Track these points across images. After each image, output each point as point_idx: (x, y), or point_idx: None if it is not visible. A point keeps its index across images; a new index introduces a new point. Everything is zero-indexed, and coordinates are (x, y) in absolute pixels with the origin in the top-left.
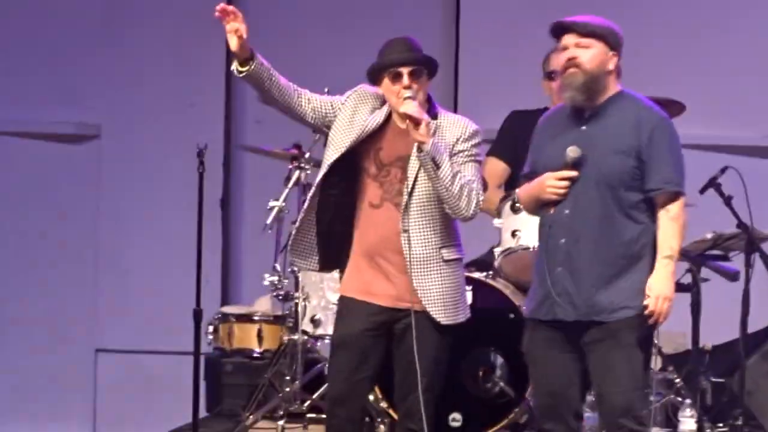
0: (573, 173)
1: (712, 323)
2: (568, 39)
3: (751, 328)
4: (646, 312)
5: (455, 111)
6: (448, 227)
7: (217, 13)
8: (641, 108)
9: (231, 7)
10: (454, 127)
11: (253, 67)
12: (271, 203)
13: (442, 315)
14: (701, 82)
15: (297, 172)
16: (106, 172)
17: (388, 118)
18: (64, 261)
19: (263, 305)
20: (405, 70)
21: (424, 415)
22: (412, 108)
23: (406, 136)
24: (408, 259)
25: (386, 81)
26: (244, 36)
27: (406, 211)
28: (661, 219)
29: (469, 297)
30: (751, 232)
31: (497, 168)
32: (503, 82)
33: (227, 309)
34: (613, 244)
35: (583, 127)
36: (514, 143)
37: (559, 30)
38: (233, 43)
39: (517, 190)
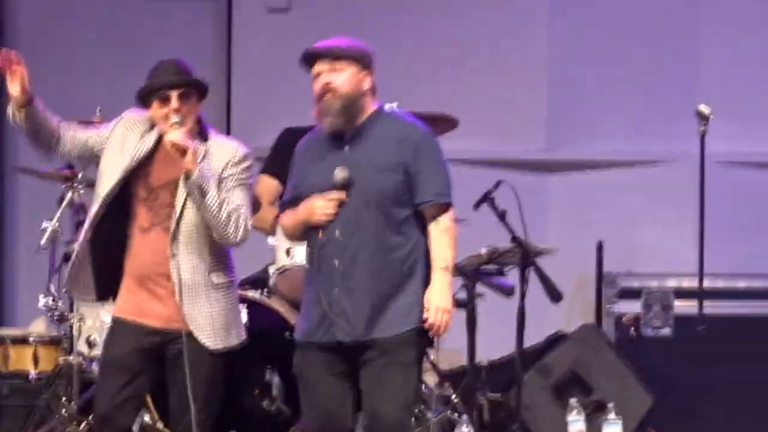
0: (341, 195)
1: (488, 339)
2: (320, 65)
3: (527, 343)
4: (426, 325)
5: (228, 130)
6: (218, 252)
7: None
8: (402, 124)
9: (14, 53)
10: (223, 151)
11: (31, 112)
12: (45, 224)
13: (211, 340)
14: (473, 96)
15: (70, 193)
16: None
17: (158, 141)
18: None
19: (39, 327)
20: (173, 93)
21: None
22: (178, 136)
23: (175, 160)
24: (177, 285)
25: (155, 104)
26: (26, 80)
27: (174, 236)
28: (432, 231)
29: (244, 316)
30: (526, 247)
31: (270, 185)
32: (277, 100)
33: (2, 331)
34: (387, 261)
35: (346, 149)
36: (286, 160)
37: (309, 58)
38: (15, 89)
39: (280, 216)
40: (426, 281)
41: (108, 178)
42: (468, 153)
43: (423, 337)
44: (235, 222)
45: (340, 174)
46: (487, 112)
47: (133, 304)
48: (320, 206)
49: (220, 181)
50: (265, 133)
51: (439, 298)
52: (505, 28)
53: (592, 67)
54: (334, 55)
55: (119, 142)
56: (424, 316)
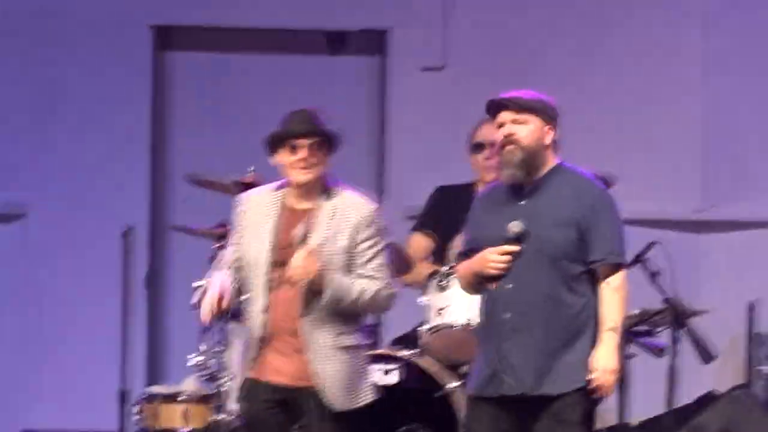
0: (515, 248)
1: (639, 399)
2: (505, 115)
3: (678, 404)
4: (591, 386)
5: (382, 188)
6: (349, 315)
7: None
8: (581, 181)
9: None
10: (353, 209)
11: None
12: (197, 282)
13: (337, 400)
14: (629, 156)
15: (222, 251)
16: (32, 251)
17: (282, 201)
18: None
19: (189, 385)
20: (304, 143)
21: None
22: (298, 270)
23: (301, 216)
24: (305, 343)
25: (284, 151)
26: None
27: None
28: (603, 291)
29: (395, 374)
30: (678, 308)
31: (423, 243)
32: (431, 158)
33: (153, 389)
34: (558, 317)
35: (523, 202)
36: (439, 218)
37: (494, 107)
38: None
39: (456, 267)
40: (595, 340)
41: (255, 261)
42: (623, 212)
43: (591, 396)
44: (379, 303)
45: (514, 227)
46: (642, 174)
47: (261, 362)
48: (493, 259)
49: (354, 243)
50: (419, 190)
51: (605, 359)
52: (660, 87)
53: (747, 125)
54: (519, 107)
55: (252, 226)
56: (590, 376)
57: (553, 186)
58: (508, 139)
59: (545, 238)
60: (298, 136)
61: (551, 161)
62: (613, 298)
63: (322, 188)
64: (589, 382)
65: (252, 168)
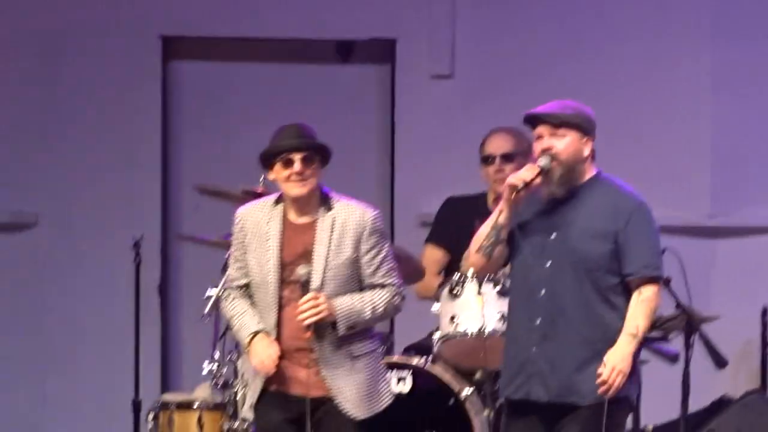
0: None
1: (653, 404)
2: (542, 129)
3: (692, 409)
4: (598, 381)
5: (392, 197)
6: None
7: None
8: (618, 192)
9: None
10: (354, 218)
11: None
12: (209, 292)
13: (355, 409)
14: (640, 163)
15: None
16: (42, 261)
17: (282, 216)
18: (4, 351)
19: (203, 392)
20: (297, 156)
21: None
22: (309, 316)
23: (304, 231)
24: (319, 357)
25: (278, 166)
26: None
27: None
28: (633, 299)
29: (408, 382)
30: (690, 314)
31: (435, 255)
32: (440, 167)
33: (167, 397)
34: (590, 327)
35: (560, 209)
36: (450, 230)
37: (532, 120)
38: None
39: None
40: None
41: (263, 281)
42: None
43: (621, 405)
44: (390, 310)
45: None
46: (653, 180)
47: (277, 374)
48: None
49: (358, 252)
50: (428, 200)
51: (618, 358)
52: (670, 94)
53: (757, 131)
54: (557, 122)
55: (255, 239)
56: (599, 371)
57: (591, 197)
58: (546, 153)
59: (580, 249)
60: (291, 151)
61: (589, 171)
62: (641, 307)
63: (319, 200)
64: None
65: (262, 178)
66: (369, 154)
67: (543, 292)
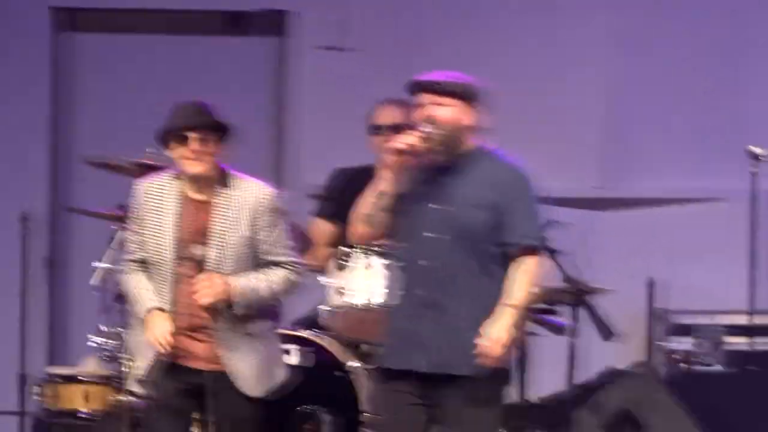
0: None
1: (540, 377)
2: (426, 97)
3: (578, 381)
4: (476, 351)
5: (282, 168)
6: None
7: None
8: (500, 163)
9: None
10: (251, 197)
11: None
12: (96, 263)
13: (250, 388)
14: (527, 131)
15: (120, 233)
16: None
17: (180, 192)
18: None
19: (90, 365)
20: (193, 135)
21: None
22: (206, 297)
23: (202, 208)
24: (214, 334)
25: (173, 144)
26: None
27: None
28: (512, 270)
29: (296, 355)
30: (578, 286)
31: (324, 228)
32: (330, 138)
33: (53, 369)
34: (470, 298)
35: (441, 179)
36: (338, 201)
37: (415, 87)
38: None
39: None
40: None
41: (160, 257)
42: None
43: (500, 376)
44: (289, 288)
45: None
46: (540, 149)
47: (174, 348)
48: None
49: (255, 230)
50: (319, 170)
51: (497, 330)
52: (561, 63)
53: (646, 104)
54: (441, 90)
55: (152, 214)
56: (478, 341)
57: (472, 167)
58: (428, 121)
59: (462, 218)
60: (188, 129)
61: (471, 142)
62: (520, 278)
63: (218, 178)
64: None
65: (150, 149)
66: (260, 127)
67: (424, 262)
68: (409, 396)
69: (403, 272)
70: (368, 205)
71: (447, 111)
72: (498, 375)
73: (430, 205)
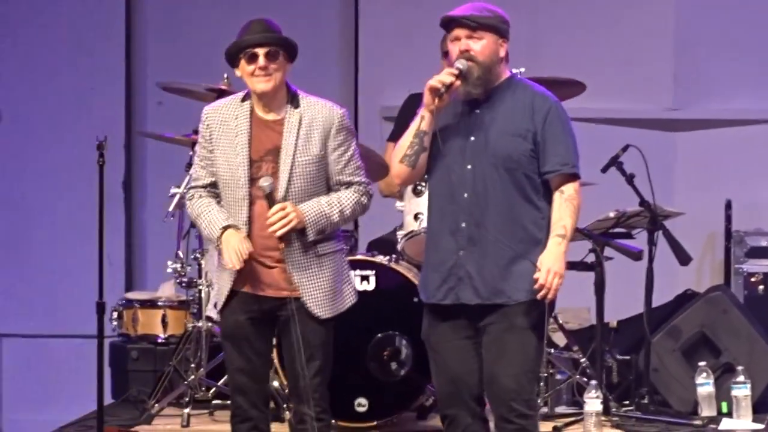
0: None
1: (617, 301)
2: (459, 31)
3: (655, 305)
4: (536, 286)
5: (356, 92)
6: None
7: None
8: (533, 93)
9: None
10: (321, 116)
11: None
12: (173, 190)
13: (320, 308)
14: (600, 56)
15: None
16: (4, 158)
17: (250, 113)
18: None
19: (167, 291)
20: (261, 51)
21: (311, 399)
22: (276, 223)
23: (272, 127)
24: (285, 255)
25: (242, 62)
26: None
27: None
28: (555, 200)
29: (372, 281)
30: (654, 210)
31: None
32: (403, 62)
33: (131, 295)
34: (514, 227)
35: (477, 111)
36: None
37: (449, 23)
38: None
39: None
40: None
41: (233, 178)
42: (594, 112)
43: (544, 303)
44: (358, 210)
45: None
46: (613, 73)
47: (243, 274)
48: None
49: (326, 150)
50: (392, 93)
51: (551, 260)
52: None
53: (719, 25)
54: (475, 23)
55: (224, 139)
56: (535, 276)
57: (506, 98)
58: (464, 55)
59: (500, 148)
60: (254, 45)
61: (504, 74)
62: (565, 206)
63: (287, 97)
64: (537, 290)
65: (226, 76)
66: (332, 49)
67: (466, 195)
68: (457, 329)
69: (445, 206)
70: (406, 144)
71: (482, 45)
72: (543, 303)
73: (469, 138)
